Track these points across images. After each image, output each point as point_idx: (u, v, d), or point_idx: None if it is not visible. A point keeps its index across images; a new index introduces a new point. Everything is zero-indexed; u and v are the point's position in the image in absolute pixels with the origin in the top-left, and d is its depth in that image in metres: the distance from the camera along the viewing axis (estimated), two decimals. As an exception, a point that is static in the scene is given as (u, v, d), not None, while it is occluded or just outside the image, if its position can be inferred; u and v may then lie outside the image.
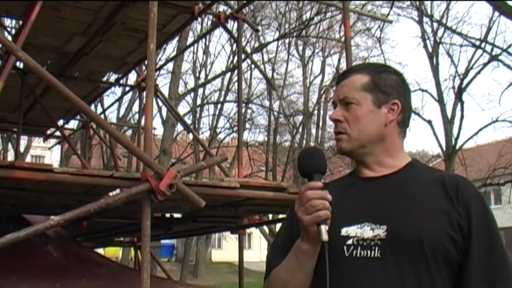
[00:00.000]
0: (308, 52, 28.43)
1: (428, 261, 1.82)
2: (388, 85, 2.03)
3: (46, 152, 31.10)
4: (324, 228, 1.80)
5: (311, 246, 1.88)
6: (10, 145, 21.74)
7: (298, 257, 1.91)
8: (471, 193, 1.92)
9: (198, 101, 25.34)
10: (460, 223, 1.86)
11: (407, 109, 2.06)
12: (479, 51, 20.99)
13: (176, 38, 15.87)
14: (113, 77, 10.82)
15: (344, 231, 1.91)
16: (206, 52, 25.85)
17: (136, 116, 14.72)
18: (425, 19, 21.98)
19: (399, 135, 2.06)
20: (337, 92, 2.08)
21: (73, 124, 15.44)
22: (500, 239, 1.92)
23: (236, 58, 15.99)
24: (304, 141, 26.91)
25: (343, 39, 7.71)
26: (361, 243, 1.88)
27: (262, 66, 23.20)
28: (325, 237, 1.80)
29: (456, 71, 21.64)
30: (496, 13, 18.68)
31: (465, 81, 21.13)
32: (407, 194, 1.94)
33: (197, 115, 25.25)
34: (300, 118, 27.33)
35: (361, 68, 2.13)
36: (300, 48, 28.05)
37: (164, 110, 19.08)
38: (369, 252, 1.86)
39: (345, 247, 1.89)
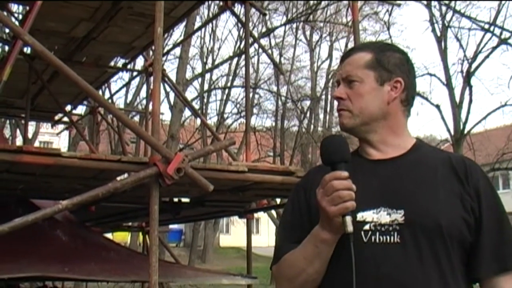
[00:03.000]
0: (315, 37, 28.39)
1: (446, 245, 1.84)
2: (391, 63, 2.03)
3: (54, 138, 31.16)
4: (349, 219, 1.78)
5: (333, 235, 1.86)
6: (18, 131, 21.82)
7: (318, 246, 1.89)
8: (479, 175, 1.96)
9: (206, 86, 25.34)
10: (472, 205, 1.89)
11: (411, 88, 2.06)
12: (488, 35, 20.82)
13: (183, 23, 15.83)
14: (120, 62, 10.81)
15: (360, 216, 1.90)
16: (213, 37, 25.82)
17: (144, 102, 14.74)
18: (434, 3, 21.80)
19: (403, 114, 2.06)
20: (340, 71, 2.09)
21: (81, 109, 15.45)
22: (508, 219, 1.95)
23: (243, 43, 15.93)
24: (312, 126, 26.89)
25: (350, 23, 7.66)
26: (379, 228, 1.88)
27: (269, 51, 23.13)
28: (350, 228, 1.78)
29: (465, 55, 21.49)
30: (505, -2, 18.54)
31: (474, 65, 20.97)
32: (418, 177, 1.95)
33: (205, 100, 25.26)
34: (307, 103, 27.28)
35: (364, 46, 2.15)
36: (308, 32, 27.99)
37: (172, 95, 19.09)
38: (388, 237, 1.87)
39: (362, 233, 1.89)
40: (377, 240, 1.87)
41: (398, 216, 1.87)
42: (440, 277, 1.83)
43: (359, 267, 1.81)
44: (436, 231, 1.84)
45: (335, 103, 2.10)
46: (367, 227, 1.89)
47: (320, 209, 1.83)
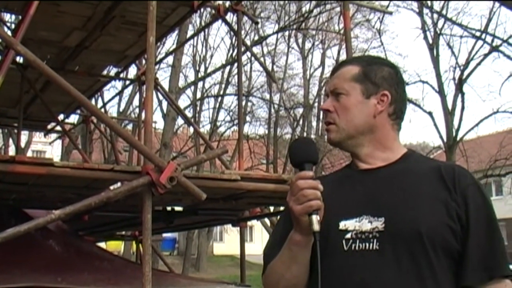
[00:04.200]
0: (308, 45, 28.44)
1: (427, 252, 1.82)
2: (378, 76, 2.03)
3: (47, 147, 31.18)
4: (315, 218, 1.79)
5: (304, 237, 1.86)
6: (11, 141, 21.76)
7: (292, 249, 1.90)
8: (468, 182, 1.92)
9: (198, 95, 25.34)
10: (458, 212, 1.86)
11: (399, 101, 2.05)
12: (480, 42, 20.96)
13: (176, 32, 15.86)
14: (113, 71, 10.80)
15: (342, 224, 1.91)
16: (205, 45, 25.85)
17: (137, 110, 14.77)
18: (425, 10, 21.92)
19: (391, 127, 2.05)
20: (329, 84, 2.11)
21: (73, 118, 15.45)
22: (497, 226, 1.93)
23: (235, 51, 15.97)
24: (305, 134, 26.89)
25: (342, 31, 7.70)
26: (359, 236, 1.88)
27: (262, 59, 23.17)
28: (316, 227, 1.78)
29: (457, 62, 21.63)
30: (497, 4, 18.64)
31: (466, 72, 21.11)
32: (404, 185, 1.94)
33: (198, 108, 25.25)
34: (300, 110, 27.32)
35: (353, 59, 2.15)
36: (300, 40, 28.03)
37: (165, 104, 19.08)
38: (367, 244, 1.86)
39: (344, 241, 1.89)
40: (357, 248, 1.87)
41: (379, 223, 1.86)
42: (420, 284, 1.81)
43: (338, 274, 1.84)
44: (415, 238, 1.82)
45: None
46: (348, 235, 1.89)
47: (289, 210, 1.85)
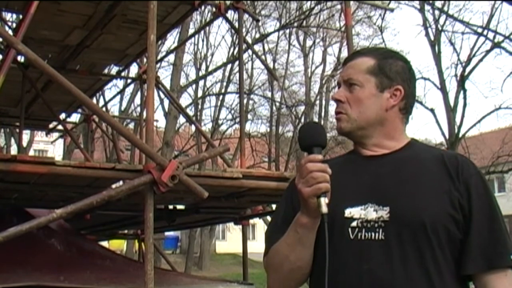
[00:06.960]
0: (309, 42, 28.41)
1: (431, 242, 1.85)
2: (393, 70, 2.04)
3: (49, 146, 31.18)
4: (323, 201, 1.80)
5: (311, 219, 1.88)
6: (13, 140, 21.79)
7: (298, 231, 1.92)
8: (471, 172, 1.95)
9: (200, 93, 25.33)
10: (461, 202, 1.89)
11: (410, 97, 2.07)
12: (482, 39, 20.91)
13: (177, 30, 15.85)
14: (114, 70, 10.80)
15: (348, 212, 1.93)
16: (206, 43, 25.84)
17: (138, 109, 14.76)
18: (427, 7, 21.88)
19: (401, 121, 2.07)
20: (342, 73, 2.10)
21: (75, 117, 15.44)
22: (500, 216, 1.94)
23: (237, 49, 15.93)
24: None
25: (343, 28, 7.71)
26: (365, 225, 1.90)
27: (263, 57, 23.15)
28: (324, 209, 1.80)
29: (459, 59, 21.57)
30: (498, 0, 18.61)
31: (468, 69, 21.04)
32: (408, 174, 1.96)
33: (199, 106, 25.24)
34: (302, 108, 27.29)
35: (369, 51, 2.16)
36: (301, 38, 28.02)
37: (166, 102, 19.10)
38: (373, 234, 1.88)
39: (350, 229, 1.91)
40: (363, 237, 1.89)
41: (384, 213, 1.88)
42: (423, 274, 1.83)
43: (343, 263, 1.87)
44: (419, 228, 1.84)
45: (330, 108, 2.12)
46: (354, 223, 1.91)
47: (298, 192, 1.86)
